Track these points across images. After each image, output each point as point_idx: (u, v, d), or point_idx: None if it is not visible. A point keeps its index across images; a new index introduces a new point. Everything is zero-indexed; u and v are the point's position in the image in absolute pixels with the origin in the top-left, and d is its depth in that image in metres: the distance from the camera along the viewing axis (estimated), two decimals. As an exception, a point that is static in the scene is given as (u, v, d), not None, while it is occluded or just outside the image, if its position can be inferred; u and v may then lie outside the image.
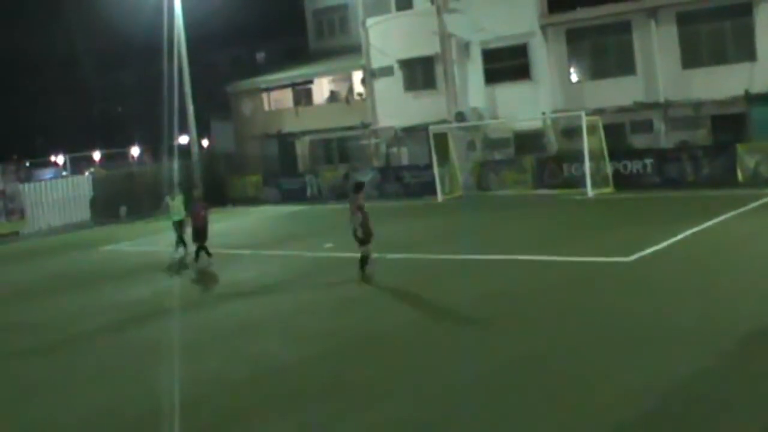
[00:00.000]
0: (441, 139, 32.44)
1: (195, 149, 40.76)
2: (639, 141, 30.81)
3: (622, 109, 30.71)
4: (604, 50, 31.82)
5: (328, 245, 22.05)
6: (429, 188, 31.71)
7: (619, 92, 30.62)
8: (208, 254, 21.09)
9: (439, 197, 31.04)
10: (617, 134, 30.48)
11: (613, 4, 30.68)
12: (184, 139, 44.30)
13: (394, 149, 37.30)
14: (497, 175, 31.71)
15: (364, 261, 16.91)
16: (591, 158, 28.03)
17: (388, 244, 21.17)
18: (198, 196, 22.82)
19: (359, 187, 17.49)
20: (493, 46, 33.62)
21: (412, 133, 35.63)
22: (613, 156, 28.61)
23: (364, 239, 16.79)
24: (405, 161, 36.59)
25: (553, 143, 32.41)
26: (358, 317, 14.15)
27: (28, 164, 55.06)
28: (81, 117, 66.16)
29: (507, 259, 17.70)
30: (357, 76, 39.72)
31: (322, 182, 36.36)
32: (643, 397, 8.98)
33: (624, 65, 31.10)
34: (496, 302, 14.20)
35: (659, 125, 30.56)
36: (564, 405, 9.07)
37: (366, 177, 34.86)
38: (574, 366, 10.31)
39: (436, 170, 31.41)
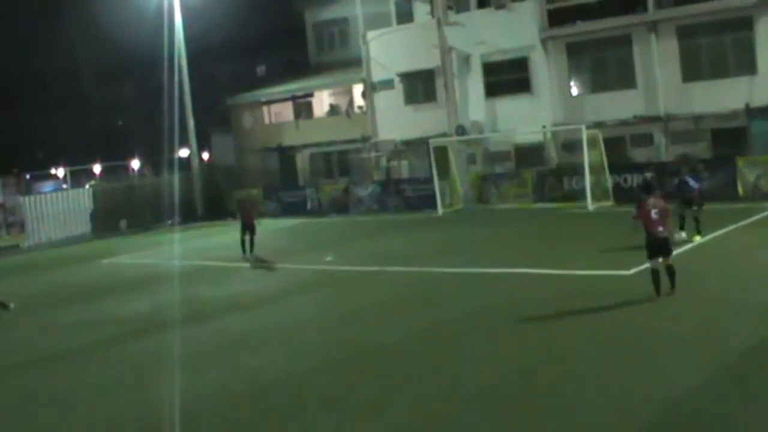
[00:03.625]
0: (441, 153, 32.46)
1: (195, 162, 40.87)
2: (639, 154, 30.81)
3: (622, 123, 30.75)
4: (605, 64, 31.89)
5: (329, 258, 22.07)
6: (429, 201, 31.69)
7: (619, 106, 30.66)
8: (251, 249, 23.57)
9: (440, 210, 31.03)
10: (617, 148, 30.49)
11: (613, 17, 30.73)
12: (184, 152, 44.35)
13: (395, 162, 37.31)
14: (497, 188, 31.71)
15: (655, 273, 13.99)
16: (591, 172, 28.00)
17: (388, 257, 21.23)
18: (246, 196, 23.48)
19: (652, 187, 14.73)
20: (493, 59, 33.68)
21: (413, 146, 35.65)
22: (614, 169, 28.60)
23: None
24: (405, 174, 36.57)
25: (554, 157, 32.43)
26: (358, 330, 14.13)
27: (28, 177, 55.14)
28: (81, 130, 66.18)
29: (507, 272, 17.68)
30: (357, 89, 39.77)
31: (323, 195, 36.38)
32: (642, 411, 8.97)
33: (624, 79, 31.16)
34: (495, 315, 14.19)
35: (659, 139, 30.59)
36: (563, 418, 9.05)
37: (366, 190, 34.95)
38: (573, 379, 10.29)
39: (436, 183, 31.40)
